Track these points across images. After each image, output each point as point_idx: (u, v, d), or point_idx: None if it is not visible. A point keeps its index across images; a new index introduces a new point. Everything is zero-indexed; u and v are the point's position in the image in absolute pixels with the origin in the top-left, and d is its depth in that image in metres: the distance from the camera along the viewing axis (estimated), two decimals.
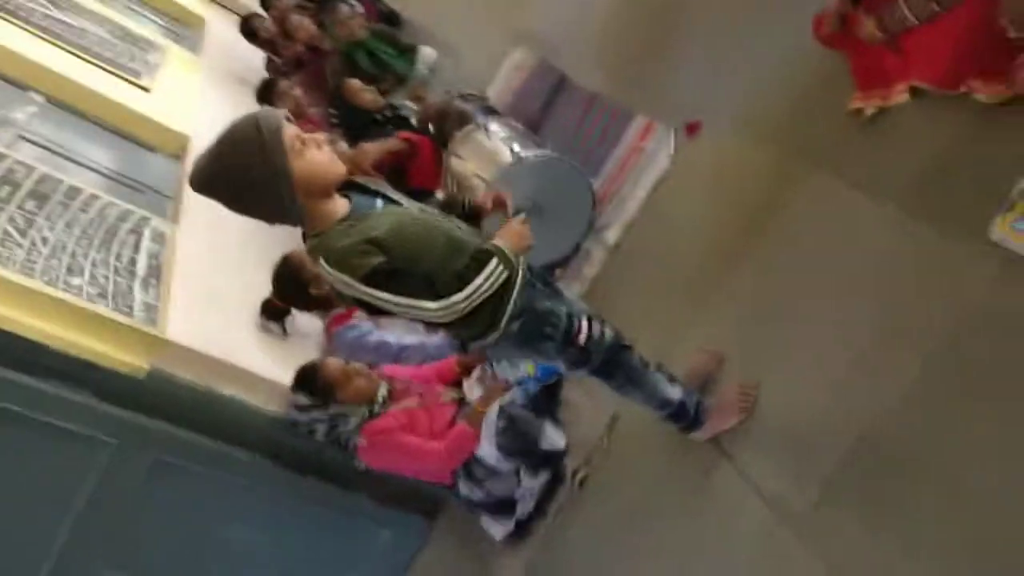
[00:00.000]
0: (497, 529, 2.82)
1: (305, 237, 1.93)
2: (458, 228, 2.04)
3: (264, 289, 3.21)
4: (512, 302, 1.98)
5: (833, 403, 2.07)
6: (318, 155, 1.85)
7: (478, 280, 1.88)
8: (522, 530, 2.77)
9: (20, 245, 2.89)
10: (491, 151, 3.34)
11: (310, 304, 3.21)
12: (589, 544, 2.56)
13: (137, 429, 2.82)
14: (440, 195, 3.59)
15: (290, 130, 1.83)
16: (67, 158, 3.92)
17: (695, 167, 2.97)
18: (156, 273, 3.24)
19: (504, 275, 1.92)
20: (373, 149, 3.80)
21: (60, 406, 2.72)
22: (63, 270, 2.89)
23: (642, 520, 2.42)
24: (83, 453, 2.80)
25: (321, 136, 1.89)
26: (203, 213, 3.74)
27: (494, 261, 1.91)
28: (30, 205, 3.15)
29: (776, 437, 2.18)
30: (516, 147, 3.27)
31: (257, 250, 3.56)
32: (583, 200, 3.25)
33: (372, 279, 1.84)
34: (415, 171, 4.18)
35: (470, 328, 1.96)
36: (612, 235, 3.15)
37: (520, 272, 2.01)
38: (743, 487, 2.17)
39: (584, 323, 2.10)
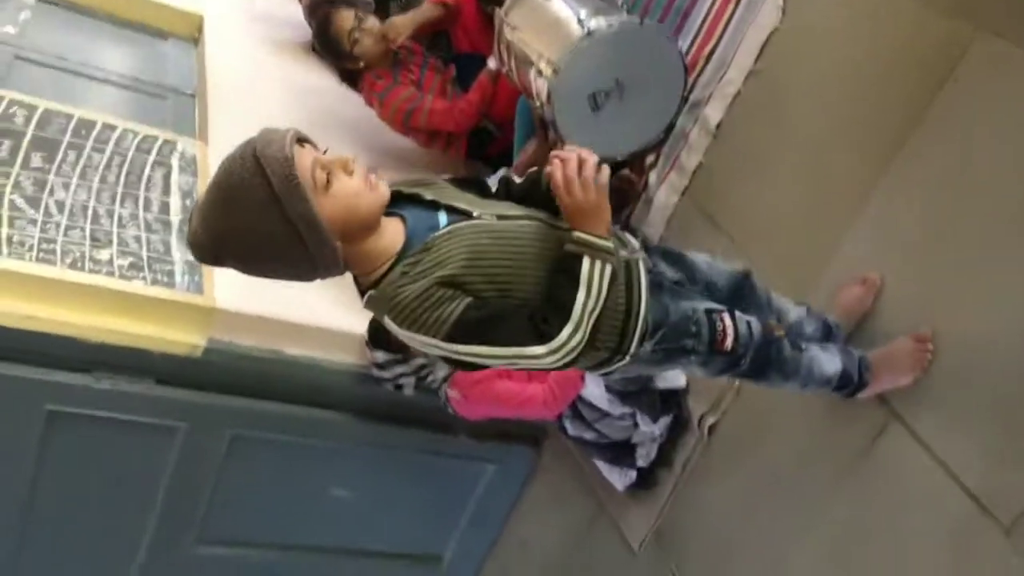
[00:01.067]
0: (617, 478, 2.52)
1: (357, 281, 1.46)
2: (547, 224, 1.53)
3: None
4: (640, 319, 1.54)
5: None
6: (349, 183, 1.34)
7: (579, 298, 1.40)
8: (645, 480, 2.46)
9: (33, 221, 2.51)
10: (552, 18, 2.76)
11: None
12: (725, 509, 2.25)
13: (205, 409, 2.54)
14: (492, 64, 3.05)
15: (304, 159, 1.31)
16: (72, 72, 3.46)
17: (817, 19, 2.37)
18: None
19: (608, 270, 1.43)
20: (403, 22, 3.28)
21: (119, 399, 2.44)
22: (87, 243, 2.52)
23: (788, 488, 2.08)
24: (155, 442, 2.54)
25: (346, 157, 1.36)
26: (230, 127, 3.33)
27: (586, 263, 1.42)
28: (37, 161, 2.73)
29: (961, 399, 1.77)
30: (582, 12, 2.68)
31: None
32: (672, 70, 2.68)
33: (461, 330, 1.37)
34: (459, 35, 3.64)
35: (587, 359, 1.50)
36: (714, 113, 2.61)
37: (639, 273, 1.56)
38: (926, 462, 1.79)
39: (727, 321, 1.66)
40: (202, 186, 2.98)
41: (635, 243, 1.66)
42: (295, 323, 2.61)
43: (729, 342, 1.64)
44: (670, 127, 2.76)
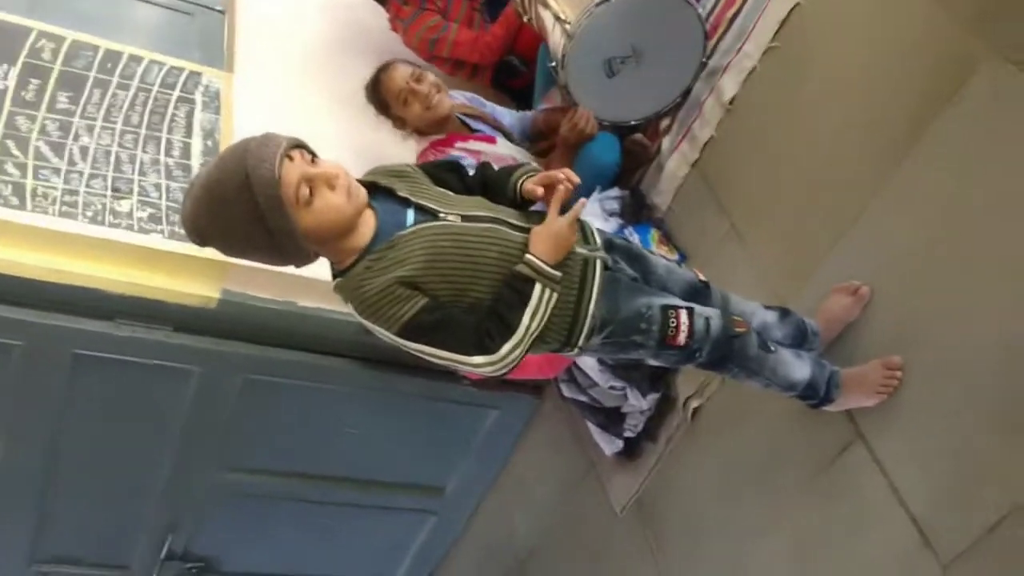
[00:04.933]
0: (605, 444, 2.64)
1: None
2: (512, 228, 1.62)
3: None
4: (588, 317, 1.64)
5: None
6: (330, 199, 1.46)
7: (524, 320, 1.52)
8: (632, 451, 2.57)
9: (57, 170, 2.60)
10: None
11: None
12: (700, 490, 2.36)
13: (219, 355, 2.68)
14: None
15: (292, 175, 1.42)
16: None
17: (838, 3, 2.30)
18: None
19: (555, 298, 1.55)
20: None
21: (138, 345, 2.59)
22: (108, 194, 2.61)
23: (758, 486, 2.17)
24: (172, 384, 2.71)
25: (330, 172, 1.47)
26: (256, 54, 3.35)
27: (537, 289, 1.53)
28: (63, 101, 2.80)
29: (924, 430, 1.82)
30: None
31: (330, 100, 3.17)
32: (691, 37, 2.63)
33: (411, 330, 1.51)
34: None
35: (536, 351, 1.62)
36: (729, 86, 2.56)
37: (594, 272, 1.65)
38: (881, 485, 1.86)
39: (684, 317, 1.72)
40: (224, 124, 3.03)
41: (598, 240, 1.74)
42: (308, 277, 2.71)
43: (682, 338, 1.71)
44: (686, 92, 2.73)
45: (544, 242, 1.57)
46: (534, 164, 2.74)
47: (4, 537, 3.08)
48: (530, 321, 1.53)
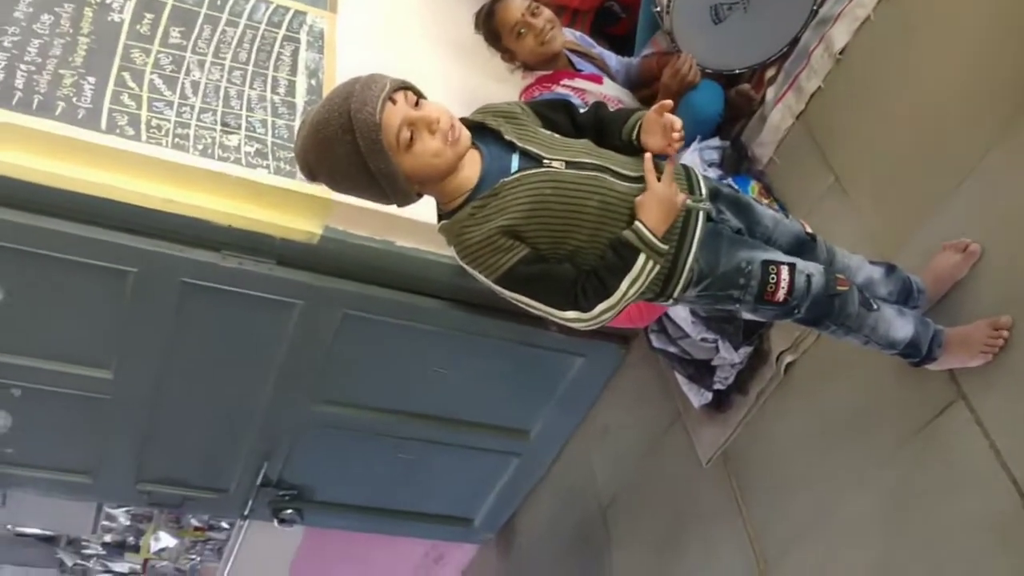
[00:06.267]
0: (694, 395, 2.63)
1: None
2: (616, 177, 1.62)
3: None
4: (687, 269, 1.64)
5: None
6: (430, 143, 1.50)
7: (623, 286, 1.55)
8: (721, 403, 2.57)
9: (170, 103, 2.68)
10: None
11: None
12: (790, 445, 2.34)
13: (320, 290, 2.76)
14: None
15: (393, 118, 1.46)
16: None
17: None
18: (319, 96, 2.98)
19: (656, 269, 1.57)
20: None
21: (243, 277, 2.68)
22: (217, 128, 2.69)
23: (851, 442, 2.14)
24: (274, 316, 2.80)
25: (431, 116, 1.50)
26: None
27: (641, 259, 1.55)
28: (175, 36, 2.88)
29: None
30: None
31: (434, 41, 3.19)
32: None
33: (510, 279, 1.55)
34: None
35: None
36: (840, 36, 2.48)
37: (696, 224, 1.64)
38: (982, 447, 1.82)
39: (784, 274, 1.70)
40: (328, 64, 3.08)
41: (704, 190, 1.72)
42: (407, 217, 2.75)
43: (781, 294, 1.69)
44: (794, 41, 2.66)
45: (654, 210, 1.57)
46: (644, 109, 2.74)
47: (113, 456, 3.26)
48: (628, 287, 1.56)
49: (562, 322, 1.60)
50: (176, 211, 2.55)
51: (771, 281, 1.68)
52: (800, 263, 1.74)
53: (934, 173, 2.11)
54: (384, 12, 3.32)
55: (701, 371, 2.59)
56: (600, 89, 2.65)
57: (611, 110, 1.80)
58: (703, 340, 2.51)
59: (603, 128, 1.74)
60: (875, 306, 1.81)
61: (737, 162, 2.67)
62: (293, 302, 2.78)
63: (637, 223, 1.56)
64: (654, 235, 1.55)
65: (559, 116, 1.74)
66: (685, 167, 1.75)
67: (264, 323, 2.83)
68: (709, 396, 2.58)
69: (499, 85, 2.87)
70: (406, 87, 1.53)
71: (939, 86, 2.18)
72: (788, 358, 2.37)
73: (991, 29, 2.08)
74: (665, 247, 1.57)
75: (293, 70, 3.00)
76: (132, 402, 3.00)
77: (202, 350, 2.87)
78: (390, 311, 2.86)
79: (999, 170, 1.97)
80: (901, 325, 1.84)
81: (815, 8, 2.59)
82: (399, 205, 1.60)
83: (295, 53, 3.07)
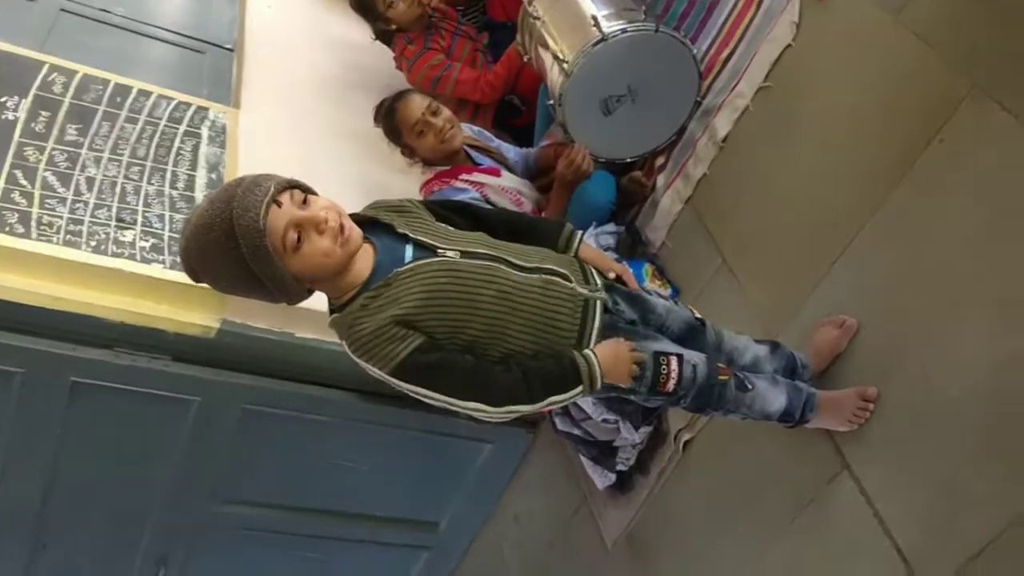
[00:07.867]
0: (598, 477, 2.64)
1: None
2: (511, 267, 1.62)
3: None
4: None
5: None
6: (319, 244, 1.45)
7: (546, 400, 1.56)
8: (624, 484, 2.58)
9: (63, 200, 2.65)
10: (571, 14, 2.75)
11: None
12: (691, 522, 2.36)
13: (218, 385, 2.72)
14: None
15: (278, 221, 1.42)
16: (114, 25, 3.57)
17: (830, 43, 2.35)
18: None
19: (582, 399, 1.63)
20: None
21: (137, 374, 2.62)
22: (112, 224, 2.66)
23: (747, 516, 2.17)
24: (171, 413, 2.74)
25: (318, 217, 1.46)
26: (263, 92, 3.43)
27: (577, 389, 1.58)
28: (71, 133, 2.87)
29: (908, 461, 1.83)
30: (602, 12, 2.67)
31: (334, 135, 3.25)
32: (686, 77, 2.70)
33: (406, 370, 1.50)
34: (494, 2, 3.66)
35: None
36: (722, 125, 2.61)
37: (594, 314, 1.67)
38: (867, 517, 1.86)
39: (674, 364, 1.72)
40: (229, 159, 3.09)
41: (599, 281, 1.75)
42: (307, 307, 2.74)
43: (671, 385, 1.71)
44: (681, 130, 2.78)
45: (610, 357, 1.61)
46: (542, 200, 2.80)
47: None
48: (550, 403, 1.57)
49: (463, 412, 1.55)
50: (65, 308, 2.50)
51: (663, 372, 1.71)
52: (687, 353, 1.78)
53: (812, 252, 2.20)
54: (287, 108, 3.38)
55: (604, 452, 2.61)
56: (498, 182, 2.72)
57: (522, 216, 1.84)
58: (604, 421, 2.53)
59: (527, 233, 1.79)
60: (750, 386, 1.85)
61: (631, 246, 2.75)
62: (190, 399, 2.72)
63: (592, 355, 1.58)
64: (602, 376, 1.58)
65: (453, 215, 1.75)
66: (578, 259, 1.80)
67: (160, 421, 2.76)
68: (613, 477, 2.59)
69: (401, 176, 2.92)
70: (292, 186, 1.49)
71: (813, 169, 2.30)
72: (686, 436, 2.41)
73: (856, 118, 2.21)
74: (600, 389, 1.60)
75: (193, 164, 3.01)
76: (19, 506, 2.86)
77: (95, 451, 2.77)
78: (292, 404, 2.82)
79: (869, 248, 2.07)
80: (774, 398, 1.89)
81: (699, 99, 2.73)
82: (288, 303, 1.57)
83: (196, 148, 3.08)
